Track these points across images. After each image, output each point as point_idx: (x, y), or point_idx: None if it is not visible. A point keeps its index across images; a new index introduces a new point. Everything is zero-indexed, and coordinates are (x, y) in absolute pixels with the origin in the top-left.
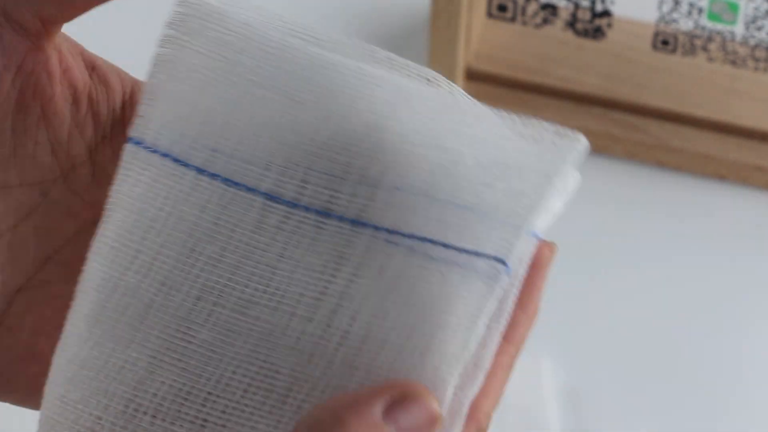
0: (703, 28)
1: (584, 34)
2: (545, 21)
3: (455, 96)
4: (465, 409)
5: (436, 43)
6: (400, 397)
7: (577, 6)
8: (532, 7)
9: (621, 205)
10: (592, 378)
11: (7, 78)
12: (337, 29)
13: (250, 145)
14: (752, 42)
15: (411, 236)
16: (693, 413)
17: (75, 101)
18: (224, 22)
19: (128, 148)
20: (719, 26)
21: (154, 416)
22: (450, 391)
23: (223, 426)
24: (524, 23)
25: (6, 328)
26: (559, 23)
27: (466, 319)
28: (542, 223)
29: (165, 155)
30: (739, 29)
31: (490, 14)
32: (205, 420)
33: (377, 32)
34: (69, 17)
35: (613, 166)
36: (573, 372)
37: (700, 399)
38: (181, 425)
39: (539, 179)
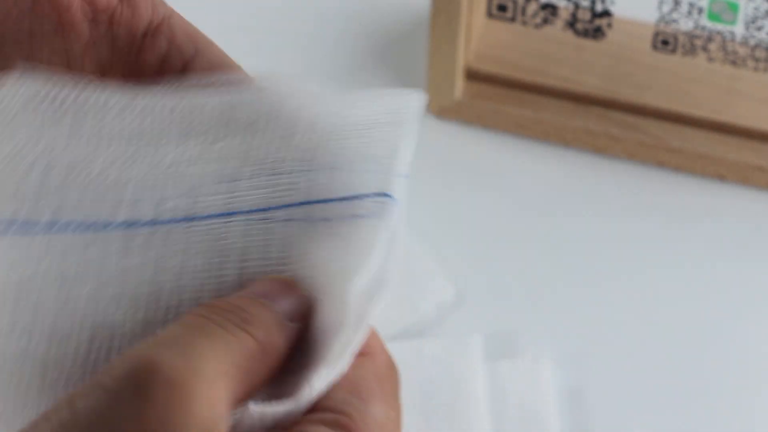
0: (703, 28)
1: (584, 34)
2: (545, 21)
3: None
4: (368, 319)
5: (435, 43)
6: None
7: (577, 6)
8: (532, 7)
9: (621, 206)
10: (593, 379)
11: None
12: (338, 29)
13: (96, 190)
14: (752, 42)
15: (286, 206)
16: (695, 414)
17: (94, 18)
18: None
19: None
20: (719, 26)
21: None
22: (353, 304)
23: None
24: (524, 23)
25: None
26: (559, 23)
27: (365, 248)
28: (405, 163)
29: (10, 223)
30: (739, 29)
31: (490, 14)
32: None
33: (376, 32)
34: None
35: (613, 166)
36: (574, 373)
37: (702, 400)
38: None
39: (391, 127)
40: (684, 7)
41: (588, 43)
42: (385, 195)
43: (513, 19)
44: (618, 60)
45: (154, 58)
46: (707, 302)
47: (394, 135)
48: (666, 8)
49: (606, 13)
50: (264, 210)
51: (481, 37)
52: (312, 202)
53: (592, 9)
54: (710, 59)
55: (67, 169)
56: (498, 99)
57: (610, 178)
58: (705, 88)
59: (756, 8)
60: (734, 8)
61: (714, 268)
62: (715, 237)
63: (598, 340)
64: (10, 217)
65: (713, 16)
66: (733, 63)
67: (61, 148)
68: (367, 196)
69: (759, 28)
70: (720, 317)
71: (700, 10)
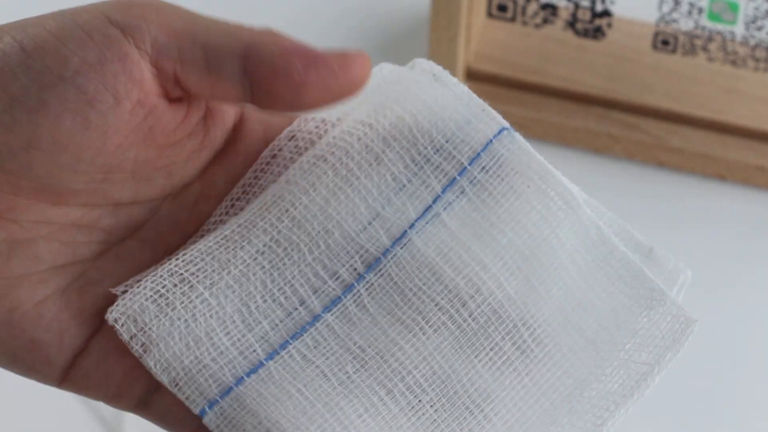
0: (703, 28)
1: (584, 34)
2: (545, 21)
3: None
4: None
5: (436, 43)
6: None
7: (577, 6)
8: (532, 7)
9: (621, 205)
10: None
11: (138, 113)
12: (338, 29)
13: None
14: (752, 42)
15: (444, 189)
16: (692, 413)
17: (193, 133)
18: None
19: None
20: (719, 26)
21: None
22: None
23: None
24: (524, 23)
25: (107, 323)
26: (559, 23)
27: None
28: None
29: None
30: (739, 29)
31: (490, 14)
32: None
33: (377, 32)
34: (199, 97)
35: (613, 166)
36: None
37: (700, 398)
38: None
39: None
40: (684, 7)
41: (588, 43)
42: (503, 130)
43: (513, 19)
44: (618, 60)
45: (255, 140)
46: (707, 300)
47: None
48: (666, 8)
49: (606, 13)
50: (432, 204)
51: (481, 37)
52: (468, 166)
53: (592, 9)
54: (710, 59)
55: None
56: (498, 99)
57: (610, 178)
58: (705, 88)
59: (756, 8)
60: (734, 8)
61: (714, 267)
62: (715, 237)
63: None
64: None
65: (713, 16)
66: (734, 63)
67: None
68: (496, 135)
69: (759, 28)
70: (720, 317)
71: (701, 10)
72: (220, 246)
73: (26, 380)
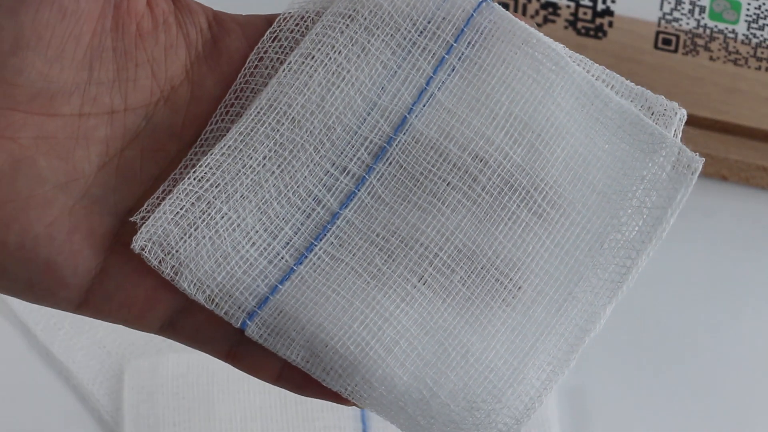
0: (705, 27)
1: (585, 33)
2: (546, 20)
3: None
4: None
5: None
6: None
7: (578, 5)
8: (532, 6)
9: None
10: (592, 377)
11: None
12: None
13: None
14: (754, 41)
15: (435, 69)
16: (692, 413)
17: (164, 23)
18: None
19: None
20: (721, 25)
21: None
22: None
23: None
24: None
25: (122, 244)
26: (560, 22)
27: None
28: None
29: None
30: (741, 28)
31: None
32: None
33: None
34: None
35: None
36: (573, 371)
37: (700, 398)
38: None
39: None
40: (686, 6)
41: (589, 42)
42: (482, 2)
43: None
44: (619, 59)
45: (238, 43)
46: (708, 301)
47: None
48: (668, 7)
49: (607, 12)
50: (426, 86)
51: None
52: (454, 43)
53: (593, 8)
54: (712, 58)
55: None
56: None
57: None
58: (707, 87)
59: (758, 7)
60: (736, 7)
61: (715, 267)
62: (716, 237)
63: (597, 339)
64: None
65: (715, 15)
66: (735, 62)
67: None
68: (476, 9)
69: (761, 27)
70: (721, 317)
71: (702, 9)
72: (226, 157)
73: (26, 379)
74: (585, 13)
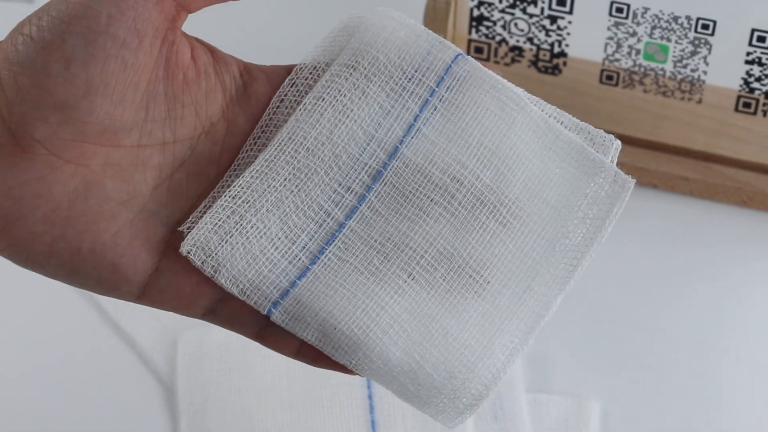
0: (640, 65)
1: (545, 71)
2: (513, 60)
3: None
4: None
5: None
6: None
7: (539, 48)
8: (502, 49)
9: None
10: (550, 345)
11: (156, 44)
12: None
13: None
14: (679, 77)
15: (422, 107)
16: (626, 369)
17: (205, 72)
18: None
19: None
20: (653, 64)
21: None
22: None
23: None
24: (496, 62)
25: (173, 249)
26: (524, 62)
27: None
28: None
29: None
30: (668, 67)
31: (469, 55)
32: None
33: None
34: (197, 8)
35: None
36: (536, 340)
37: (635, 359)
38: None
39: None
40: (624, 49)
41: (548, 78)
42: (459, 55)
43: (488, 59)
44: (572, 92)
45: (264, 88)
46: (643, 284)
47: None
48: (610, 50)
49: (562, 54)
50: (414, 122)
51: None
52: (436, 88)
53: (551, 51)
54: (645, 91)
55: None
56: None
57: None
58: (641, 114)
59: (682, 50)
60: (665, 50)
61: (648, 257)
62: (649, 233)
63: (555, 316)
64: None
65: (648, 56)
66: (664, 94)
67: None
68: (454, 60)
69: (684, 66)
70: (653, 296)
71: (638, 51)
72: (255, 179)
73: (100, 347)
74: (544, 55)
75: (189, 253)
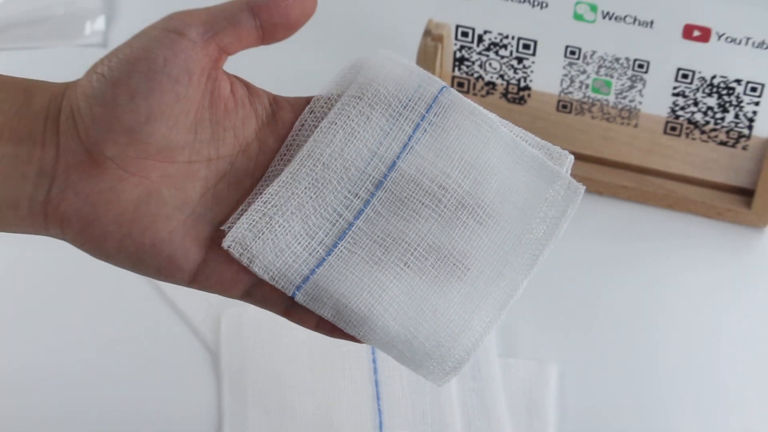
0: (589, 97)
1: (513, 101)
2: (488, 93)
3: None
4: None
5: None
6: None
7: (508, 83)
8: (479, 84)
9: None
10: (518, 319)
11: (202, 80)
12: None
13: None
14: (620, 106)
15: (413, 132)
16: (579, 338)
17: (241, 103)
18: None
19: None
20: (599, 96)
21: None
22: None
23: None
24: (474, 94)
25: (216, 244)
26: (497, 94)
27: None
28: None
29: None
30: (611, 98)
31: (452, 87)
32: None
33: None
34: (235, 51)
35: None
36: (507, 316)
37: (587, 329)
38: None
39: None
40: (576, 84)
41: (515, 107)
42: (444, 88)
43: (467, 92)
44: (534, 118)
45: (288, 115)
46: (591, 269)
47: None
48: (565, 84)
49: (527, 88)
50: (408, 141)
51: None
52: (425, 114)
53: (518, 85)
54: (593, 117)
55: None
56: None
57: None
58: (590, 136)
59: (622, 84)
60: (609, 84)
61: (595, 249)
62: (596, 231)
63: (522, 296)
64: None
65: (595, 90)
66: (608, 120)
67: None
68: (440, 92)
69: (624, 97)
70: (598, 278)
71: (587, 86)
72: (281, 188)
73: (160, 322)
74: (512, 89)
75: (229, 247)
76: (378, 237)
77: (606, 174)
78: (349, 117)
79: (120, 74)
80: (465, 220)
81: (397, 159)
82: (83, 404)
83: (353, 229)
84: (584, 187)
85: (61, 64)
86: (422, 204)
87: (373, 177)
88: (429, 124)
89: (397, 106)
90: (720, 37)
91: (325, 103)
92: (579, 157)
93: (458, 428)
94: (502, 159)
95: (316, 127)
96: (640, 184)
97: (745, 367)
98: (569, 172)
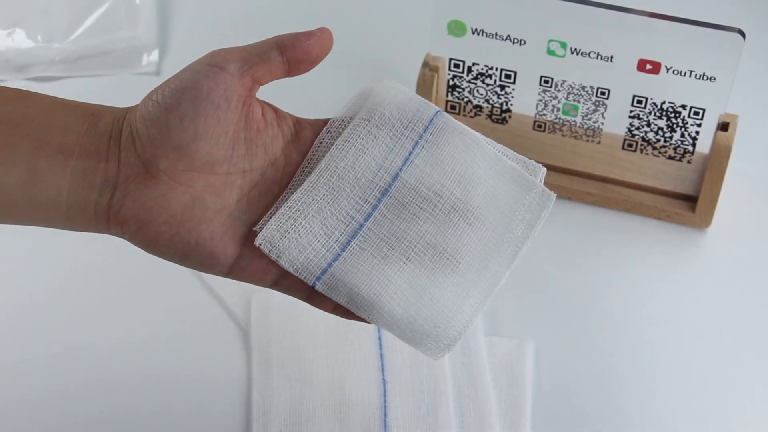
0: (560, 118)
1: (496, 121)
2: (476, 114)
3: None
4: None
5: None
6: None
7: (492, 107)
8: (468, 107)
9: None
10: (503, 302)
11: (239, 106)
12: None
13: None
14: (586, 126)
15: (412, 149)
16: (556, 320)
17: (270, 124)
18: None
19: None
20: (568, 118)
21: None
22: None
23: None
24: (464, 115)
25: (250, 242)
26: (483, 116)
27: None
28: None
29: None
30: (578, 119)
31: (446, 110)
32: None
33: None
34: (266, 81)
35: None
36: (492, 301)
37: (563, 313)
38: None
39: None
40: (549, 107)
41: (499, 126)
42: (438, 112)
43: (459, 114)
44: (514, 136)
45: (309, 134)
46: (560, 259)
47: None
48: (540, 108)
49: (508, 110)
50: (408, 156)
51: None
52: (423, 133)
53: (501, 108)
54: (563, 135)
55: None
56: None
57: None
58: (560, 151)
59: (587, 108)
60: (576, 108)
61: (565, 242)
62: (566, 230)
63: (505, 285)
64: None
65: (565, 112)
66: (576, 137)
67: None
68: (435, 115)
69: (589, 119)
70: (565, 268)
71: (558, 109)
72: (303, 195)
73: (199, 305)
74: (496, 111)
75: (260, 244)
76: (384, 236)
77: (574, 182)
78: (359, 136)
79: (171, 101)
80: (456, 221)
81: (400, 171)
82: (138, 371)
83: (363, 229)
84: (555, 194)
85: (122, 89)
86: (421, 208)
87: (379, 186)
88: (426, 142)
89: (399, 127)
90: (668, 69)
91: (340, 124)
92: (551, 168)
93: (450, 396)
94: (486, 171)
95: (332, 145)
96: (602, 191)
97: (692, 334)
98: (542, 181)
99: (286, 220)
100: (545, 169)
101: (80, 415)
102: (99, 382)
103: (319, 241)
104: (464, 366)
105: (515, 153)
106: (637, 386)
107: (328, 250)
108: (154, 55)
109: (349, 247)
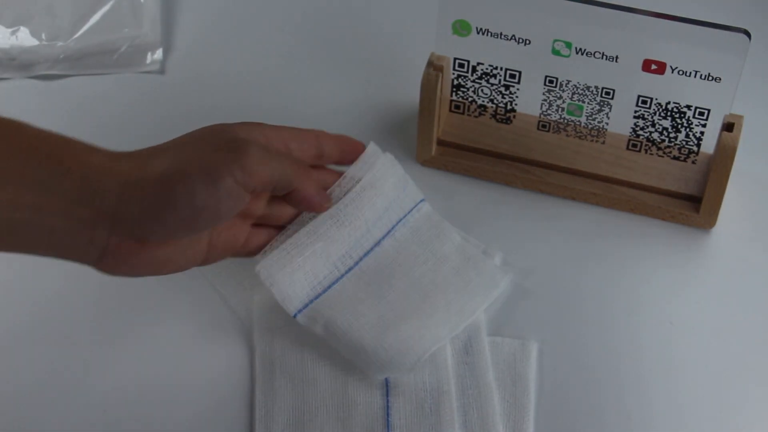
0: (564, 118)
1: (501, 121)
2: (480, 114)
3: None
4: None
5: (421, 125)
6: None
7: (497, 106)
8: (473, 106)
9: (516, 212)
10: (507, 303)
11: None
12: (358, 121)
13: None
14: (590, 126)
15: (394, 224)
16: (544, 311)
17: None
18: None
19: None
20: (572, 117)
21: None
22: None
23: None
24: (469, 115)
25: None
26: (487, 115)
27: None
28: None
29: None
30: (583, 119)
31: (451, 110)
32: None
33: (388, 120)
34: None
35: (515, 193)
36: (496, 299)
37: (553, 307)
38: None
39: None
40: (554, 107)
41: (503, 126)
42: (422, 200)
43: (463, 113)
44: (518, 135)
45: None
46: (556, 256)
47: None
48: (544, 107)
49: (512, 110)
50: (390, 230)
51: (445, 121)
52: (407, 214)
53: (505, 108)
54: (567, 135)
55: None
56: (455, 156)
57: (514, 199)
58: (564, 151)
59: (592, 108)
60: (581, 108)
61: (568, 247)
62: (570, 231)
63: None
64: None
65: (569, 112)
66: (579, 137)
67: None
68: (419, 202)
69: (594, 119)
70: (569, 278)
71: (563, 109)
72: (303, 237)
73: (204, 303)
74: (501, 110)
75: (259, 273)
76: (360, 287)
77: (578, 183)
78: (361, 199)
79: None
80: (425, 285)
81: (382, 239)
82: (140, 370)
83: (343, 279)
84: (511, 274)
85: (126, 88)
86: (395, 273)
87: (363, 246)
88: (408, 221)
89: (392, 203)
90: (673, 70)
91: (348, 181)
92: (555, 168)
93: (453, 395)
94: (452, 251)
95: (340, 200)
96: (606, 191)
97: (696, 335)
98: (499, 260)
99: (285, 256)
100: (502, 254)
101: (82, 414)
102: (101, 382)
103: (307, 280)
104: (467, 366)
105: (477, 241)
106: (641, 387)
107: (312, 289)
108: (159, 54)
109: (329, 289)
